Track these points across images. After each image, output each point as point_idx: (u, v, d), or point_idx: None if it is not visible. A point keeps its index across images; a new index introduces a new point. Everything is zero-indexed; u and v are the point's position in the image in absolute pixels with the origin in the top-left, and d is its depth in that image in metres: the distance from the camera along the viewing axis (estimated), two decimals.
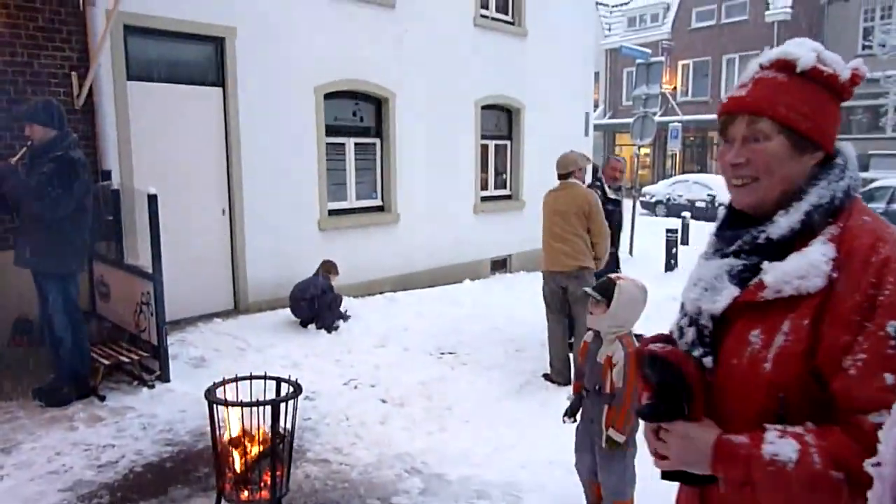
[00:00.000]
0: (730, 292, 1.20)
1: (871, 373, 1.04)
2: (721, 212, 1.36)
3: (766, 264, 1.17)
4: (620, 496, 3.06)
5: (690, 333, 1.26)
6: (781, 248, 1.18)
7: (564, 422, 3.30)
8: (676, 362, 1.21)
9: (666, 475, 1.28)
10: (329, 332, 6.53)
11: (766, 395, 1.13)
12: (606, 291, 3.06)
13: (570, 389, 4.10)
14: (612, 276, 3.23)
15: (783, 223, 1.19)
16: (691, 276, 1.32)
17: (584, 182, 5.71)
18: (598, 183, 6.60)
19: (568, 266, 5.33)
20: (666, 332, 1.40)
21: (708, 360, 1.22)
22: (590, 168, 6.82)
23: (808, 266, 1.11)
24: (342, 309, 6.77)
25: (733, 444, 1.13)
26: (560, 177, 5.58)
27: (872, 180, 20.64)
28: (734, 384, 1.19)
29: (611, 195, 6.55)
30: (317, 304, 6.58)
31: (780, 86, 1.21)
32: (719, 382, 1.22)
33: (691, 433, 1.18)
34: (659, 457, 1.25)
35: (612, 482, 3.05)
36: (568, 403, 3.35)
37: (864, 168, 22.95)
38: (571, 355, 5.33)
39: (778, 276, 1.14)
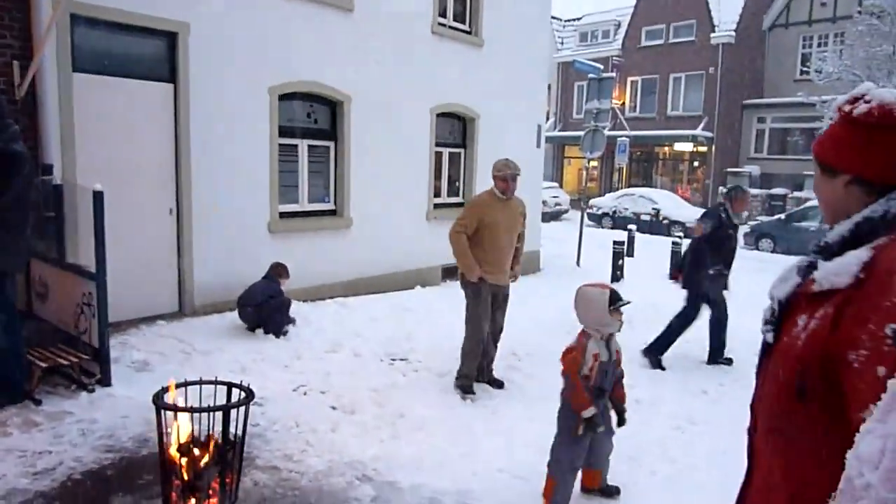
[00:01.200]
0: (793, 283, 1.43)
1: (869, 366, 1.15)
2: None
3: (819, 263, 1.37)
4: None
5: (766, 313, 1.47)
6: (836, 251, 1.35)
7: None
8: None
9: None
10: (278, 336, 6.42)
11: (793, 368, 1.31)
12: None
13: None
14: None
15: (837, 230, 1.38)
16: (784, 268, 1.55)
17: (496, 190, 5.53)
18: (724, 209, 6.59)
19: None
20: None
21: (770, 336, 1.44)
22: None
23: (842, 265, 1.27)
24: (290, 314, 6.67)
25: None
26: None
27: (806, 199, 21.60)
28: (780, 357, 1.37)
29: (735, 221, 6.68)
30: (265, 309, 6.46)
31: (828, 129, 1.46)
32: (774, 355, 1.41)
33: None
34: None
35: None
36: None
37: (800, 188, 23.99)
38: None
39: (822, 273, 1.32)
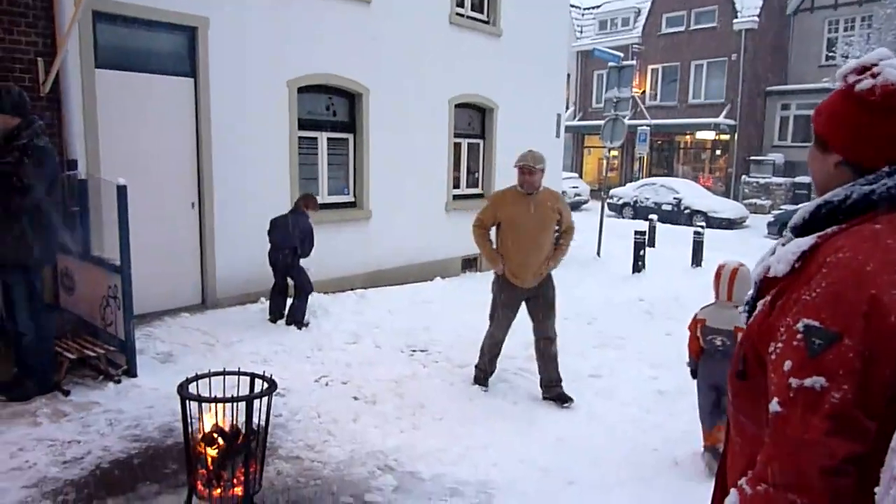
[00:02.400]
0: (763, 265, 1.38)
1: (780, 359, 1.16)
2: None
3: (778, 248, 1.34)
4: None
5: (748, 295, 1.47)
6: (802, 234, 1.31)
7: None
8: None
9: None
10: (300, 328, 6.48)
11: (738, 351, 1.35)
12: None
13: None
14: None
15: (800, 212, 1.33)
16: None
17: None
18: None
19: None
20: None
21: (742, 318, 1.45)
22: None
23: (784, 253, 1.26)
24: (309, 306, 6.70)
25: None
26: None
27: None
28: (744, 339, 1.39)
29: None
30: (304, 245, 6.54)
31: (826, 100, 1.36)
32: None
33: None
34: None
35: None
36: None
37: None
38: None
39: (773, 258, 1.31)
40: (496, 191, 5.62)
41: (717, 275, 4.08)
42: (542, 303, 5.14)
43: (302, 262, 6.68)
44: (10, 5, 5.45)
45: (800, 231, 1.30)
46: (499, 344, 5.26)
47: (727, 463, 1.46)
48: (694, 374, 4.18)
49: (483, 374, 5.31)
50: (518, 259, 5.00)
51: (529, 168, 4.93)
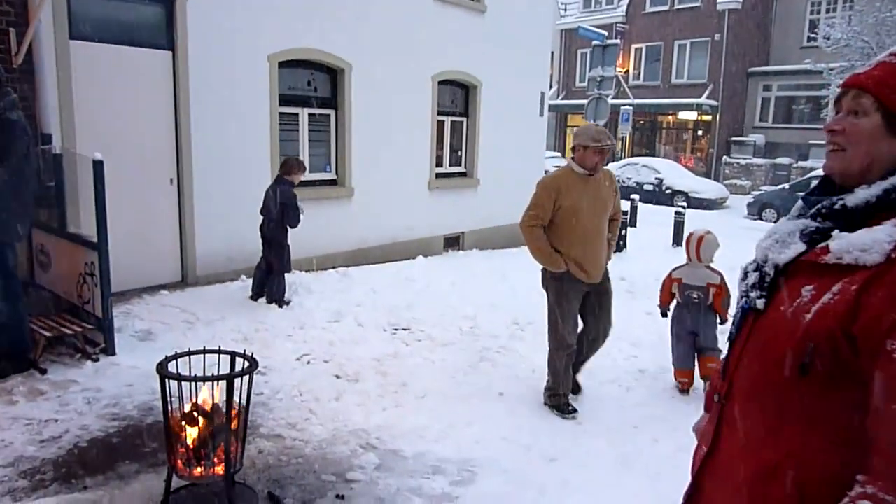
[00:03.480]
0: (796, 248, 1.29)
1: None
2: (815, 180, 1.44)
3: (836, 233, 1.24)
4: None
5: (753, 277, 1.37)
6: (855, 219, 1.23)
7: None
8: None
9: None
10: (280, 306, 6.43)
11: (798, 343, 1.20)
12: None
13: None
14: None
15: (861, 195, 1.24)
16: (770, 229, 1.42)
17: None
18: None
19: None
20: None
21: (761, 302, 1.33)
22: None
23: (872, 241, 1.16)
24: (289, 286, 6.65)
25: None
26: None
27: (811, 169, 21.42)
28: (774, 329, 1.27)
29: None
30: (286, 213, 6.37)
31: (895, 71, 1.26)
32: (762, 326, 1.32)
33: None
34: None
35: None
36: None
37: (805, 157, 23.81)
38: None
39: (843, 245, 1.20)
40: (546, 178, 4.60)
41: (688, 241, 5.02)
42: (605, 297, 4.62)
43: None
44: None
45: (852, 216, 1.23)
46: (573, 353, 4.54)
47: (715, 462, 1.40)
48: (664, 315, 5.21)
49: (565, 398, 4.51)
50: (584, 251, 4.35)
51: (609, 148, 4.40)
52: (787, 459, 1.21)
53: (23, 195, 4.41)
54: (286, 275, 6.65)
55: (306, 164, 8.13)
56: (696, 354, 4.96)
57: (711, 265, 4.97)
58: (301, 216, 6.47)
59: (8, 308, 4.45)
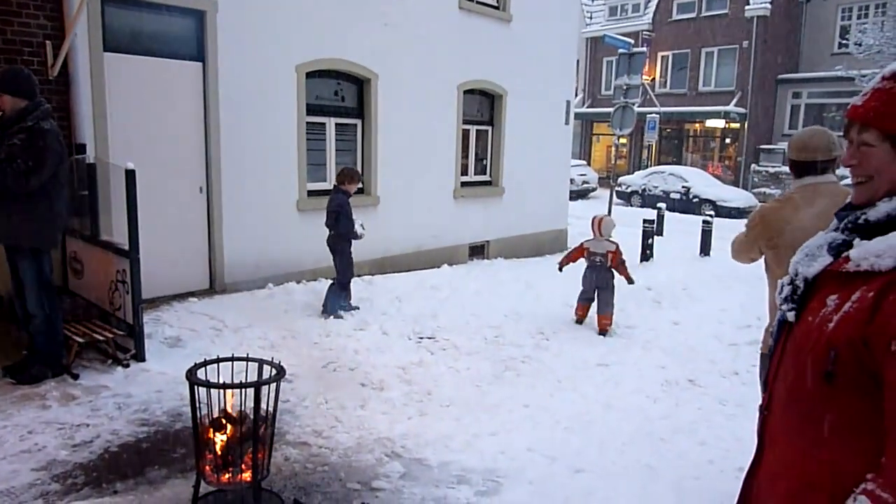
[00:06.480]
0: (823, 261, 1.35)
1: None
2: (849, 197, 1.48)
3: (856, 241, 1.30)
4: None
5: (786, 290, 1.42)
6: (877, 231, 1.28)
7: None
8: None
9: None
10: (326, 318, 6.46)
11: (823, 351, 1.24)
12: None
13: None
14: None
15: (882, 208, 1.30)
16: (805, 244, 1.47)
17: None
18: None
19: None
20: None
21: (791, 315, 1.38)
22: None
23: (886, 247, 1.21)
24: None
25: None
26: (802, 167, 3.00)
27: (842, 178, 20.98)
28: (804, 339, 1.31)
29: None
30: (339, 221, 6.54)
31: (892, 98, 1.29)
32: (795, 336, 1.36)
33: None
34: None
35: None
36: None
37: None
38: None
39: (860, 252, 1.25)
40: (769, 206, 3.10)
41: (592, 222, 6.94)
42: None
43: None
44: None
45: (875, 228, 1.28)
46: None
47: (760, 472, 1.44)
48: (560, 270, 7.15)
49: None
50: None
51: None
52: (822, 470, 1.22)
53: (56, 204, 4.51)
54: (347, 284, 6.79)
55: (333, 172, 8.22)
56: (596, 307, 6.71)
57: (610, 238, 6.82)
58: (360, 232, 6.69)
59: (43, 314, 4.56)
